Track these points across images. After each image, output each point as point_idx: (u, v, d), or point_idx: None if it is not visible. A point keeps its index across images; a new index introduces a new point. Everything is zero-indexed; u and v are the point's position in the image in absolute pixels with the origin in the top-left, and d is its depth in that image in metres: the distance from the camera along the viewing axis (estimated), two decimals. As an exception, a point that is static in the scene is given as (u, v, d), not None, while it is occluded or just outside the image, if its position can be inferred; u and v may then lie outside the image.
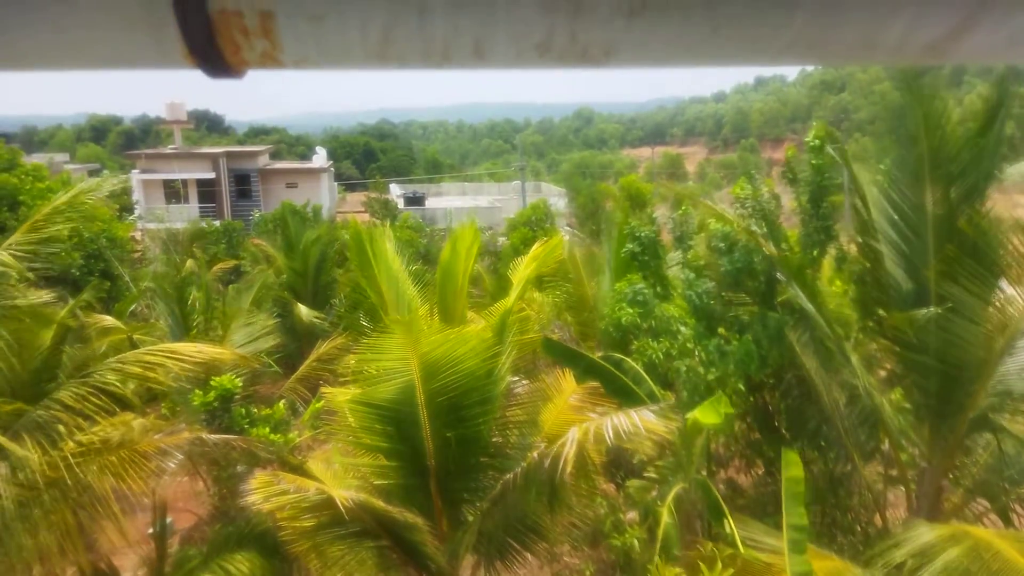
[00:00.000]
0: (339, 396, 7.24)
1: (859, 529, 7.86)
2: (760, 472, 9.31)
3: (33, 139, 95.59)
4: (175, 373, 7.27)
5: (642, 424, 5.91)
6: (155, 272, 19.89)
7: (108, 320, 12.37)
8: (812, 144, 9.00)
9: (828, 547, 6.47)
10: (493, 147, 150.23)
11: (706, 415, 7.02)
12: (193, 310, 13.28)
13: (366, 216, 37.24)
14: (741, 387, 8.56)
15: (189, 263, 21.83)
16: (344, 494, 6.17)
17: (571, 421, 6.46)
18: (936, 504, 6.92)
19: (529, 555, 7.82)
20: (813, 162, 8.85)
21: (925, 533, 5.54)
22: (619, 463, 9.66)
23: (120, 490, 5.93)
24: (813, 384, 7.61)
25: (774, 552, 5.86)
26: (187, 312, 12.92)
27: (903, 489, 7.37)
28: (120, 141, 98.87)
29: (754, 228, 8.00)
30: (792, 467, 5.28)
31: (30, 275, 7.50)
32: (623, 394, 8.05)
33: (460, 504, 7.50)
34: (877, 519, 7.63)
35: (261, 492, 6.11)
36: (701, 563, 5.36)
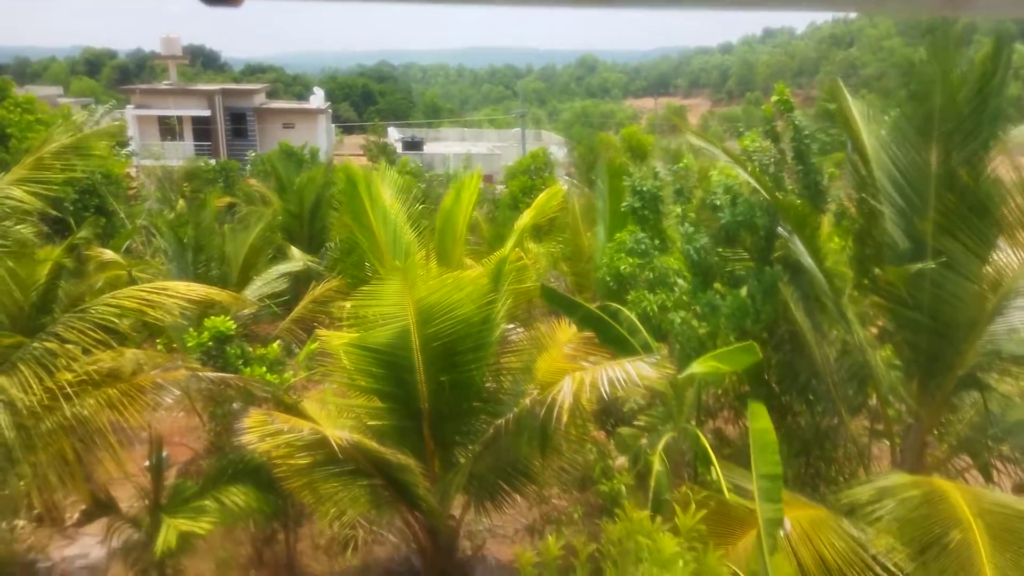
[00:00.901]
0: (334, 339, 7.28)
1: (842, 480, 8.03)
2: (747, 423, 9.46)
3: (26, 71, 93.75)
4: (170, 309, 7.29)
5: (636, 374, 5.97)
6: (151, 210, 19.78)
7: (108, 254, 12.37)
8: (780, 105, 8.85)
9: (811, 497, 6.63)
10: (494, 93, 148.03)
11: (729, 361, 7.04)
12: (194, 249, 13.26)
13: (364, 160, 36.87)
14: (732, 340, 8.63)
15: (181, 203, 21.66)
16: (338, 434, 6.26)
17: (565, 369, 6.52)
18: (919, 458, 7.06)
19: (519, 497, 8.00)
20: (792, 122, 8.73)
21: (891, 479, 5.76)
22: (610, 411, 9.79)
23: (117, 423, 6.01)
24: (805, 339, 7.67)
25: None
26: (191, 251, 12.91)
27: (888, 443, 7.51)
28: (114, 76, 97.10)
29: (762, 182, 7.90)
30: (759, 419, 5.45)
31: (30, 208, 7.45)
32: (617, 344, 8.11)
33: (452, 446, 7.64)
34: (861, 472, 7.79)
35: (255, 431, 6.18)
36: (676, 505, 5.50)
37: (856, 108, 7.54)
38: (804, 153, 8.57)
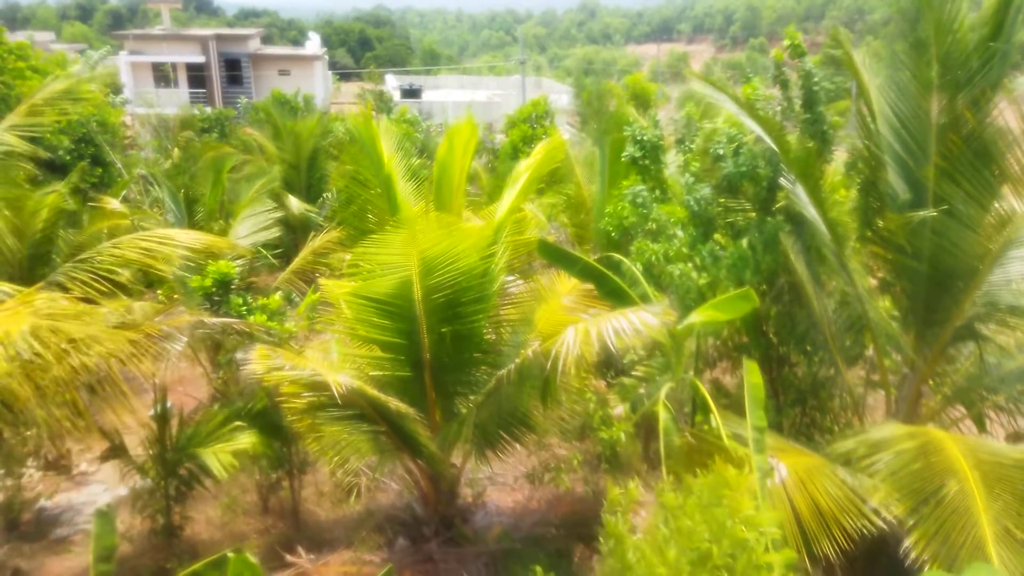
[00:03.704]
0: (336, 289, 7.28)
1: (837, 430, 8.14)
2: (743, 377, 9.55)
3: (16, 16, 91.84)
4: (172, 259, 7.31)
5: (640, 324, 5.99)
6: (147, 159, 19.60)
7: (115, 203, 12.36)
8: (792, 50, 8.71)
9: (806, 445, 6.73)
10: (493, 39, 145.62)
11: (726, 310, 7.04)
12: (193, 199, 13.21)
13: (361, 108, 36.35)
14: (732, 291, 8.65)
15: (176, 153, 21.43)
16: (339, 379, 6.32)
17: (564, 321, 6.55)
18: (914, 409, 7.15)
19: (519, 445, 8.13)
20: (801, 68, 8.59)
21: (886, 430, 5.82)
22: (609, 362, 9.88)
23: (122, 371, 6.06)
24: (804, 290, 7.68)
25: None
26: (187, 201, 12.86)
27: (883, 393, 7.59)
28: (107, 21, 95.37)
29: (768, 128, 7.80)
30: (752, 374, 5.52)
31: (29, 160, 7.41)
32: (616, 296, 8.13)
33: (453, 396, 7.73)
34: (856, 421, 7.90)
35: (260, 364, 6.25)
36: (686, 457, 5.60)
37: (860, 56, 7.40)
38: (813, 101, 8.45)
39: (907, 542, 4.89)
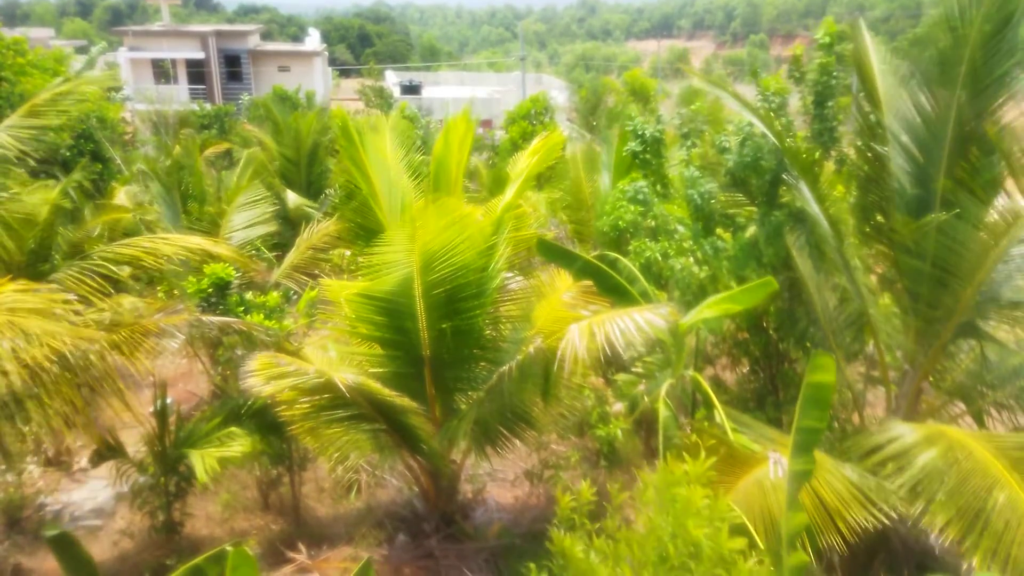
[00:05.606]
0: (339, 290, 7.25)
1: (836, 426, 8.14)
2: (744, 370, 9.55)
3: (15, 12, 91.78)
4: (171, 258, 7.30)
5: (645, 323, 5.96)
6: (147, 156, 19.58)
7: (122, 198, 12.34)
8: (823, 41, 8.70)
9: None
10: (493, 35, 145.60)
11: (745, 299, 6.97)
12: (187, 195, 13.15)
13: (361, 104, 36.32)
14: (733, 286, 8.64)
15: (178, 149, 21.41)
16: (343, 376, 6.31)
17: (565, 318, 6.53)
18: (914, 405, 7.14)
19: (518, 442, 8.13)
20: (820, 61, 8.58)
21: (903, 435, 5.69)
22: (609, 359, 9.87)
23: (121, 368, 6.05)
24: (805, 286, 7.67)
25: (754, 440, 6.11)
26: (183, 196, 12.80)
27: (883, 390, 7.58)
28: (106, 17, 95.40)
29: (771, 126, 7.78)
30: (822, 372, 5.08)
31: (28, 159, 7.40)
32: (616, 293, 8.11)
33: (453, 393, 7.73)
34: (855, 417, 7.90)
35: (262, 373, 6.22)
36: (684, 451, 5.58)
37: (873, 51, 7.34)
38: (827, 96, 8.46)
39: (967, 564, 4.73)
